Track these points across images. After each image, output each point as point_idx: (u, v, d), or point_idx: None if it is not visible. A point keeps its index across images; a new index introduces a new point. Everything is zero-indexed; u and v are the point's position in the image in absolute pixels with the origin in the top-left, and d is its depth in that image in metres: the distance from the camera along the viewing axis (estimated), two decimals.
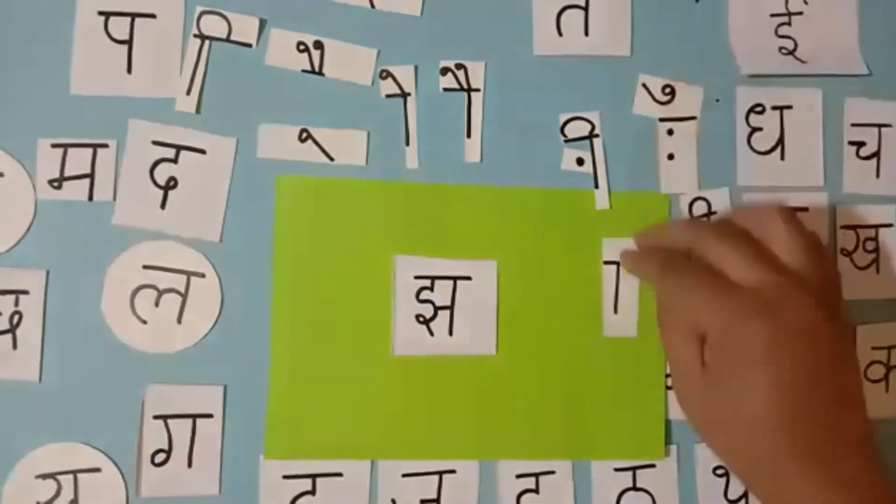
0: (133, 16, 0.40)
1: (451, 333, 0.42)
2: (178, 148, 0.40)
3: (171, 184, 0.40)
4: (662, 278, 0.37)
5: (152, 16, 0.41)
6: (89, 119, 0.40)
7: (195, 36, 0.40)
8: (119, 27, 0.40)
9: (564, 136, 0.43)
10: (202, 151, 0.41)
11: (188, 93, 0.40)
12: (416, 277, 0.41)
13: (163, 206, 0.40)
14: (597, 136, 0.43)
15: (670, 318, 0.36)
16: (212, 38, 0.40)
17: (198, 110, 0.40)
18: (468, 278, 0.42)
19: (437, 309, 0.42)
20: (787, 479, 0.30)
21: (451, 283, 0.42)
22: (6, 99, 0.40)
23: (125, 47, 0.40)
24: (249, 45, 0.41)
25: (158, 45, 0.40)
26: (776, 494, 0.31)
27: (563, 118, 0.43)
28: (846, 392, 0.32)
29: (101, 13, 0.40)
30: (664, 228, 0.41)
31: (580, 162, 0.43)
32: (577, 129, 0.43)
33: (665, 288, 0.37)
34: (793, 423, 0.30)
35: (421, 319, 0.42)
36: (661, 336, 0.37)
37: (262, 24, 0.41)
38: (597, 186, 0.43)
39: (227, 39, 0.39)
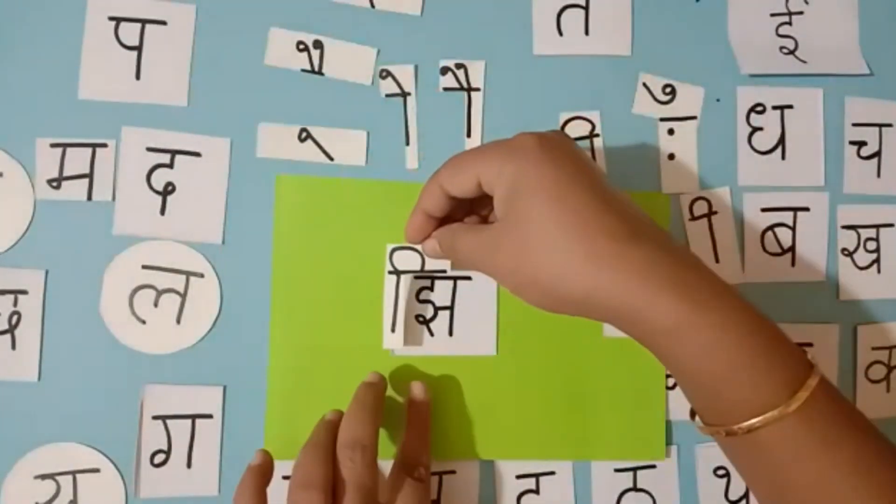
0: (144, 22, 0.40)
1: (451, 334, 0.42)
2: (173, 153, 0.40)
3: (169, 189, 0.40)
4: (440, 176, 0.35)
5: (163, 22, 0.41)
6: (91, 121, 0.40)
7: (390, 273, 0.40)
8: (129, 33, 0.40)
9: None
10: (197, 154, 0.41)
11: (392, 330, 0.41)
12: (417, 277, 0.41)
13: (162, 212, 0.40)
14: (597, 135, 0.43)
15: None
16: (406, 273, 0.40)
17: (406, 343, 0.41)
18: (468, 278, 0.42)
19: (437, 309, 0.42)
20: (628, 271, 0.30)
21: (451, 283, 0.42)
22: (7, 99, 0.40)
23: (135, 53, 0.40)
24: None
25: (168, 52, 0.40)
26: (625, 288, 0.30)
27: (563, 118, 0.43)
28: (620, 192, 0.33)
29: (111, 18, 0.40)
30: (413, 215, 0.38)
31: None
32: (578, 128, 0.43)
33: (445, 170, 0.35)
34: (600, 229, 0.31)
35: (421, 320, 0.42)
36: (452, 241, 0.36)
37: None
38: None
39: (422, 271, 0.40)
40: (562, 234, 0.31)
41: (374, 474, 0.36)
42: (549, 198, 0.31)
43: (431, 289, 0.42)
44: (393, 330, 0.40)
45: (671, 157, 0.43)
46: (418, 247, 0.39)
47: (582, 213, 0.31)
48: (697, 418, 0.33)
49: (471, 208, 0.37)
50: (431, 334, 0.42)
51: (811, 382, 0.30)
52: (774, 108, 0.44)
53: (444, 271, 0.42)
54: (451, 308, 0.42)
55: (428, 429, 0.40)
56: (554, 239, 0.31)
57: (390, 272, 0.41)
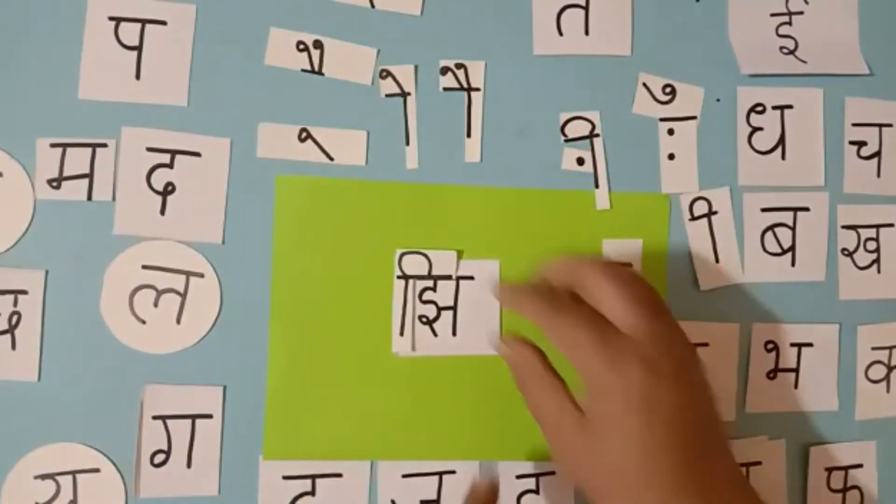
0: (144, 22, 0.40)
1: (454, 334, 0.42)
2: (173, 153, 0.40)
3: (169, 189, 0.40)
4: (552, 313, 0.34)
5: (163, 22, 0.41)
6: (91, 121, 0.40)
7: (399, 278, 0.40)
8: (129, 33, 0.40)
9: (565, 135, 0.43)
10: (197, 154, 0.41)
11: (401, 334, 0.41)
12: (419, 277, 0.41)
13: (162, 212, 0.40)
14: (597, 135, 0.43)
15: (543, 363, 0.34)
16: (415, 277, 0.40)
17: (414, 349, 0.41)
18: (471, 278, 0.42)
19: (440, 309, 0.42)
20: None
21: (454, 283, 0.42)
22: (7, 99, 0.40)
23: (135, 53, 0.40)
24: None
25: (168, 52, 0.40)
26: None
27: (563, 118, 0.43)
28: (715, 440, 0.32)
29: (111, 18, 0.40)
30: (543, 268, 0.38)
31: (580, 162, 0.43)
32: (578, 128, 0.43)
33: (555, 322, 0.33)
34: (668, 467, 0.30)
35: (424, 320, 0.42)
36: (529, 383, 0.35)
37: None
38: (597, 186, 0.43)
39: (429, 276, 0.40)
40: (642, 475, 0.30)
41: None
42: (632, 444, 0.30)
43: (434, 289, 0.42)
44: (402, 334, 0.40)
45: (671, 157, 0.43)
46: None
47: (666, 457, 0.30)
48: None
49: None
50: (435, 334, 0.41)
51: None
52: (774, 108, 0.44)
53: (449, 276, 0.42)
54: (454, 308, 0.42)
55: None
56: (633, 476, 0.30)
57: (399, 277, 0.41)
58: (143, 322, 0.40)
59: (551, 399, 0.33)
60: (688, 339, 0.34)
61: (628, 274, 0.35)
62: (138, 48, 0.40)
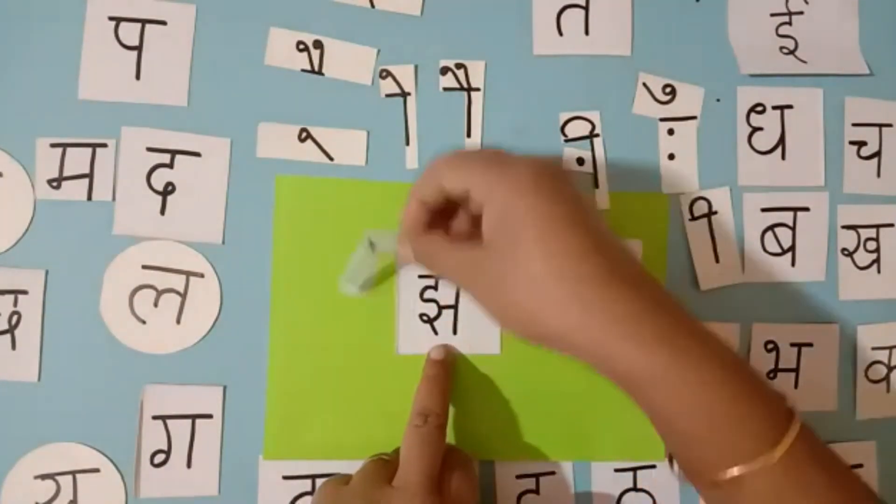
0: (144, 22, 0.40)
1: (455, 332, 0.42)
2: (173, 153, 0.40)
3: (169, 189, 0.40)
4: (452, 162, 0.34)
5: (163, 23, 0.41)
6: (91, 121, 0.40)
7: (368, 245, 0.39)
8: (129, 33, 0.40)
9: (565, 135, 0.43)
10: (197, 154, 0.41)
11: (350, 280, 0.40)
12: (420, 277, 0.41)
13: (162, 212, 0.40)
14: (597, 135, 0.43)
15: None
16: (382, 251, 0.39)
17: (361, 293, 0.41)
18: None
19: (440, 308, 0.42)
20: (599, 317, 0.30)
21: None
22: (7, 99, 0.40)
23: (135, 53, 0.40)
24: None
25: (168, 52, 0.40)
26: (602, 335, 0.31)
27: (563, 118, 0.43)
28: (609, 234, 0.33)
29: (111, 18, 0.40)
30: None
31: (580, 161, 0.43)
32: (578, 128, 0.43)
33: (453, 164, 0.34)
34: (580, 265, 0.31)
35: (425, 318, 0.42)
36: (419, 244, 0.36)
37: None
38: (597, 186, 0.43)
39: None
40: (545, 274, 0.31)
41: (441, 437, 0.37)
42: (537, 236, 0.31)
43: (435, 288, 0.42)
44: (350, 281, 0.40)
45: (671, 157, 0.43)
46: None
47: (568, 256, 0.31)
48: (676, 467, 0.33)
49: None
50: (435, 333, 0.41)
51: (792, 432, 0.30)
52: (774, 108, 0.44)
53: None
54: (454, 307, 0.42)
55: (442, 382, 0.39)
56: (537, 278, 0.31)
57: (368, 244, 0.39)
58: (143, 322, 0.40)
59: (451, 254, 0.34)
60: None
61: None
62: (138, 48, 0.40)
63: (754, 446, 0.30)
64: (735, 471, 0.30)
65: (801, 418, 0.31)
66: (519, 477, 0.42)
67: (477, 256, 0.33)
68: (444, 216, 0.37)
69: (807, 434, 0.31)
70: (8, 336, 0.39)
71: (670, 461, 0.34)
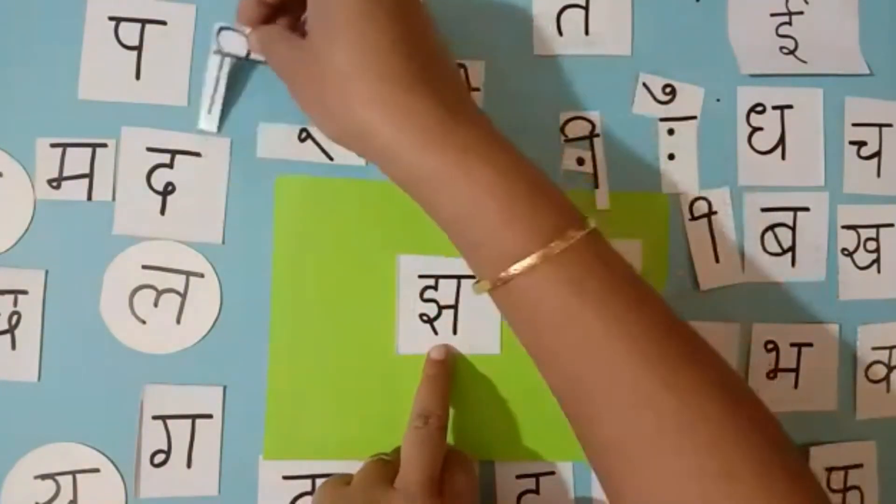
0: (144, 22, 0.40)
1: (455, 332, 0.42)
2: (173, 153, 0.40)
3: (169, 189, 0.40)
4: None
5: (163, 22, 0.40)
6: (91, 121, 0.40)
7: (216, 53, 0.40)
8: (129, 33, 0.40)
9: (565, 135, 0.43)
10: (197, 154, 0.41)
11: (210, 111, 0.40)
12: (421, 276, 0.41)
13: (162, 212, 0.40)
14: (597, 135, 0.43)
15: None
16: (231, 56, 0.39)
17: (220, 128, 0.41)
18: (472, 277, 0.42)
19: (441, 308, 0.42)
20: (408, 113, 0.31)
21: (455, 281, 0.42)
22: (7, 99, 0.40)
23: (135, 53, 0.40)
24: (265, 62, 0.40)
25: (168, 52, 0.40)
26: (391, 135, 0.31)
27: (563, 118, 0.43)
28: (429, 43, 0.33)
29: (111, 18, 0.40)
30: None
31: (580, 161, 0.43)
32: (578, 128, 0.43)
33: None
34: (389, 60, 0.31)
35: (425, 318, 0.42)
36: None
37: None
38: (597, 186, 0.43)
39: (247, 59, 0.39)
40: (353, 72, 0.31)
41: (442, 438, 0.37)
42: (347, 31, 0.31)
43: (436, 288, 0.42)
44: (210, 112, 0.40)
45: (671, 157, 0.43)
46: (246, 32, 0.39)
47: (376, 53, 0.31)
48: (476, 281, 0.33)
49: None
50: (435, 333, 0.41)
51: (573, 234, 0.30)
52: (774, 108, 0.44)
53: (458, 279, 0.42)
54: (455, 307, 0.42)
55: (442, 382, 0.40)
56: (347, 76, 0.31)
57: (216, 52, 0.39)
58: (143, 322, 0.40)
59: (284, 46, 0.35)
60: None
61: None
62: (138, 48, 0.40)
63: (529, 245, 0.30)
64: (510, 271, 0.30)
65: (594, 231, 0.31)
66: (519, 477, 0.42)
67: (299, 51, 0.33)
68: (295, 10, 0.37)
69: (598, 246, 0.31)
70: (8, 336, 0.39)
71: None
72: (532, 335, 0.32)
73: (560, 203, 0.32)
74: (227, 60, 0.39)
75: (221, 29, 0.39)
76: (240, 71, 0.41)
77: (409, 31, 0.32)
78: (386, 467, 0.37)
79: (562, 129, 0.43)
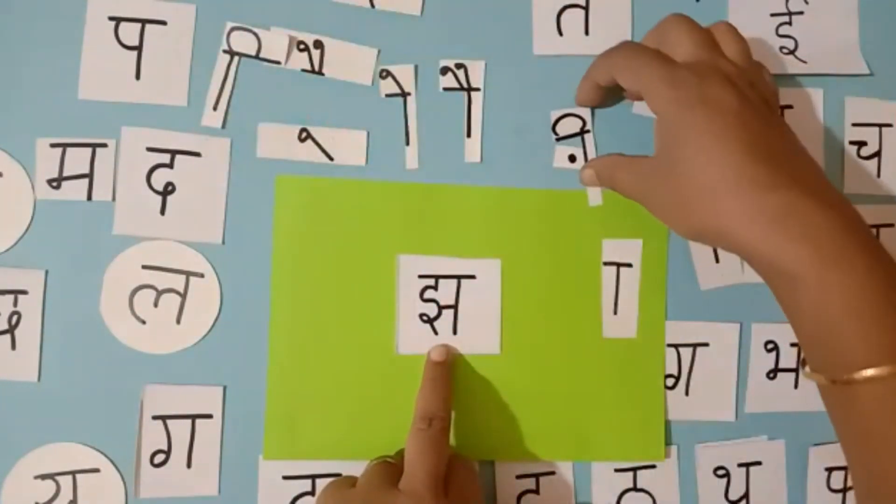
0: (144, 22, 0.40)
1: (455, 332, 0.42)
2: (173, 153, 0.40)
3: (169, 189, 0.40)
4: (626, 57, 0.37)
5: (163, 22, 0.41)
6: (91, 121, 0.40)
7: (224, 52, 0.40)
8: (129, 33, 0.40)
9: (556, 133, 0.43)
10: (197, 154, 0.41)
11: (215, 108, 0.40)
12: (421, 276, 0.41)
13: (162, 212, 0.40)
14: (587, 132, 0.43)
15: None
16: (241, 55, 0.40)
17: (224, 125, 0.41)
18: (472, 277, 0.42)
19: (441, 308, 0.42)
20: (775, 217, 0.32)
21: (455, 281, 0.42)
22: (7, 99, 0.40)
23: (135, 53, 0.40)
24: (279, 63, 0.40)
25: (168, 52, 0.40)
26: (757, 233, 0.32)
27: (554, 115, 0.43)
28: (790, 140, 0.35)
29: (111, 18, 0.40)
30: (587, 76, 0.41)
31: (572, 159, 0.43)
32: (569, 126, 0.43)
33: (627, 64, 0.37)
34: (754, 170, 0.32)
35: (425, 318, 0.42)
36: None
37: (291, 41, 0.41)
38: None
39: (257, 56, 0.39)
40: (716, 182, 0.33)
41: (445, 440, 0.38)
42: (708, 146, 0.33)
43: (436, 288, 0.42)
44: (215, 109, 0.40)
45: None
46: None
47: (735, 162, 0.32)
48: (806, 367, 0.34)
49: None
50: (436, 333, 0.42)
51: None
52: None
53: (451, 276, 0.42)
54: (454, 307, 0.42)
55: (443, 383, 0.40)
56: (706, 186, 0.33)
57: (225, 51, 0.40)
58: (143, 322, 0.40)
59: (628, 169, 0.38)
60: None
61: (723, 25, 0.39)
62: (138, 48, 0.40)
63: (886, 353, 0.30)
64: (864, 373, 0.30)
65: None
66: (519, 477, 0.42)
67: (650, 166, 0.36)
68: None
69: None
70: (8, 336, 0.39)
71: (802, 363, 0.35)
72: (862, 441, 0.32)
73: None
74: (236, 59, 0.40)
75: (233, 29, 0.39)
76: (240, 71, 0.41)
77: (759, 123, 0.34)
78: (390, 469, 0.37)
79: (553, 127, 0.43)
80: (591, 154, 0.43)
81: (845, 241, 0.31)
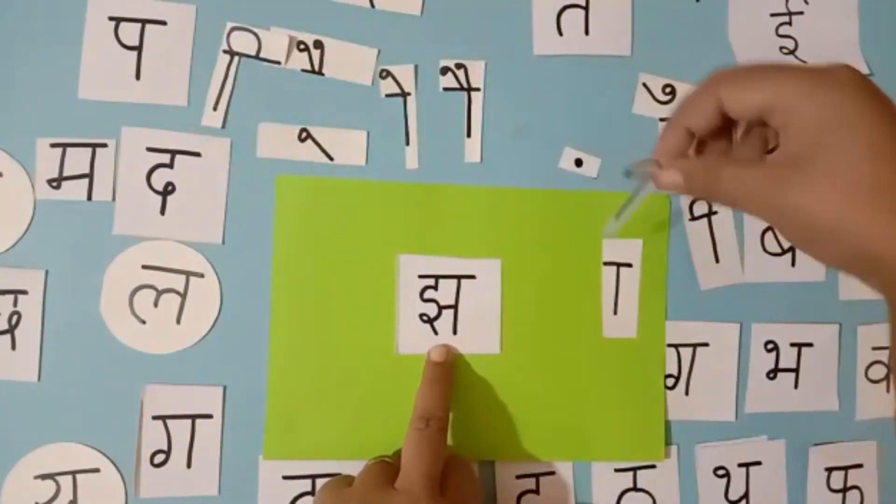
0: (144, 22, 0.40)
1: (455, 332, 0.42)
2: (173, 153, 0.40)
3: (169, 189, 0.40)
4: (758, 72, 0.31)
5: (163, 22, 0.41)
6: (91, 121, 0.40)
7: (224, 52, 0.40)
8: (129, 33, 0.40)
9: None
10: (197, 154, 0.41)
11: (215, 108, 0.40)
12: (421, 276, 0.41)
13: (162, 212, 0.40)
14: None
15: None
16: (241, 55, 0.40)
17: (224, 125, 0.41)
18: (472, 277, 0.42)
19: (440, 308, 0.42)
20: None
21: (455, 281, 0.42)
22: (7, 99, 0.40)
23: (135, 53, 0.40)
24: (279, 63, 0.40)
25: (168, 52, 0.40)
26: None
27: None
28: None
29: (111, 18, 0.40)
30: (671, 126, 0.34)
31: (578, 163, 0.43)
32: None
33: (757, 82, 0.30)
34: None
35: (425, 318, 0.42)
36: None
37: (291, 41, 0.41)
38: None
39: (257, 56, 0.40)
40: (873, 182, 0.27)
41: (443, 440, 0.37)
42: (870, 139, 0.28)
43: (436, 288, 0.42)
44: (215, 109, 0.39)
45: None
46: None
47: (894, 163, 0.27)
48: None
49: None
50: (436, 333, 0.41)
51: None
52: None
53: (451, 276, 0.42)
54: (454, 307, 0.42)
55: (442, 384, 0.40)
56: (865, 186, 0.27)
57: (225, 51, 0.39)
58: (143, 322, 0.40)
59: (743, 170, 0.30)
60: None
61: None
62: (138, 48, 0.40)
63: None
64: None
65: None
66: (519, 477, 0.42)
67: (782, 167, 0.29)
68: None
69: None
70: (8, 336, 0.39)
71: None
72: None
73: None
74: (236, 59, 0.40)
75: (233, 29, 0.39)
76: (240, 71, 0.41)
77: None
78: (387, 468, 0.37)
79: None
80: (599, 158, 0.43)
81: None
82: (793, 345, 0.44)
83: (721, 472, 0.43)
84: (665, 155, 0.32)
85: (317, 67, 0.41)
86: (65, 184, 0.40)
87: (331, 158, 0.41)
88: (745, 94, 0.30)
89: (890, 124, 0.28)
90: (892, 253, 0.27)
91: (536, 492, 0.42)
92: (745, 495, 0.43)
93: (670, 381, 0.43)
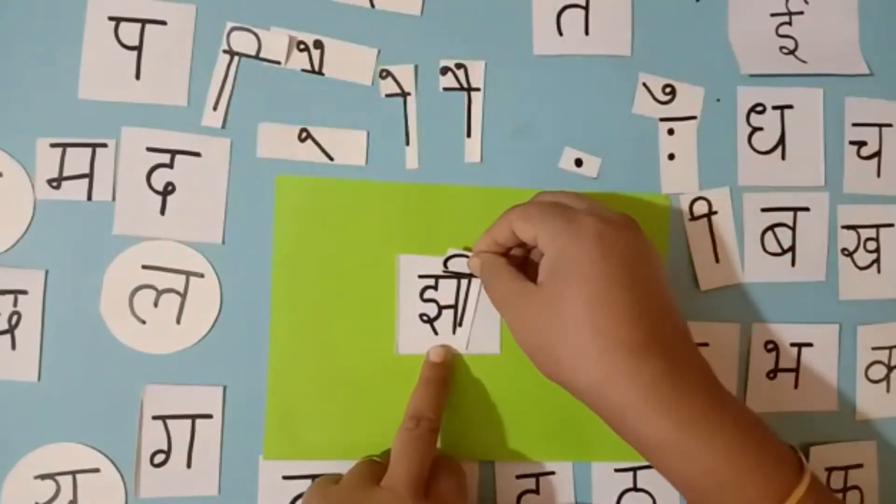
0: (144, 22, 0.40)
1: (455, 332, 0.42)
2: (173, 153, 0.40)
3: (169, 189, 0.40)
4: (521, 208, 0.38)
5: (163, 22, 0.41)
6: (91, 121, 0.40)
7: (224, 52, 0.40)
8: (129, 33, 0.40)
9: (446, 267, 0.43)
10: (197, 154, 0.41)
11: (215, 108, 0.40)
12: (421, 276, 0.41)
13: (162, 212, 0.40)
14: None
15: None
16: (241, 55, 0.40)
17: (224, 125, 0.41)
18: (472, 277, 0.42)
19: (440, 308, 0.42)
20: (630, 377, 0.32)
21: (454, 281, 0.42)
22: (7, 99, 0.40)
23: (135, 53, 0.40)
24: (279, 63, 0.41)
25: (168, 52, 0.40)
26: (623, 399, 0.33)
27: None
28: (660, 297, 0.35)
29: (111, 18, 0.40)
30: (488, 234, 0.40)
31: (578, 163, 0.43)
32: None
33: (521, 212, 0.37)
34: (617, 323, 0.33)
35: (425, 318, 0.42)
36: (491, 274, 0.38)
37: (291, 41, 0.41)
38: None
39: (257, 56, 0.40)
40: (586, 331, 0.33)
41: (432, 441, 0.38)
42: (588, 294, 0.33)
43: (436, 288, 0.42)
44: (215, 109, 0.40)
45: (671, 157, 0.43)
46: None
47: (611, 316, 0.33)
48: None
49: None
50: (436, 333, 0.42)
51: (799, 492, 0.32)
52: (774, 108, 0.44)
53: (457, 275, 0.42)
54: (454, 307, 0.42)
55: (438, 385, 0.40)
56: (578, 332, 0.33)
57: (225, 51, 0.40)
58: (143, 322, 0.40)
59: (507, 280, 0.37)
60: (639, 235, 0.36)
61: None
62: (138, 48, 0.40)
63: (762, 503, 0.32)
64: None
65: (809, 472, 0.33)
66: (519, 477, 0.42)
67: (526, 290, 0.35)
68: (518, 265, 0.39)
69: (816, 493, 0.32)
70: (8, 336, 0.39)
71: None
72: None
73: (782, 456, 0.33)
74: (236, 59, 0.40)
75: (233, 29, 0.39)
76: (240, 71, 0.41)
77: (643, 290, 0.34)
78: (375, 467, 0.37)
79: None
80: (600, 157, 0.43)
81: (705, 408, 0.32)
82: (793, 345, 0.44)
83: None
84: (477, 249, 0.39)
85: (317, 67, 0.41)
86: (65, 184, 0.40)
87: (331, 158, 0.41)
88: (523, 227, 0.36)
89: (617, 272, 0.33)
90: (591, 391, 0.34)
91: (536, 492, 0.42)
92: None
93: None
